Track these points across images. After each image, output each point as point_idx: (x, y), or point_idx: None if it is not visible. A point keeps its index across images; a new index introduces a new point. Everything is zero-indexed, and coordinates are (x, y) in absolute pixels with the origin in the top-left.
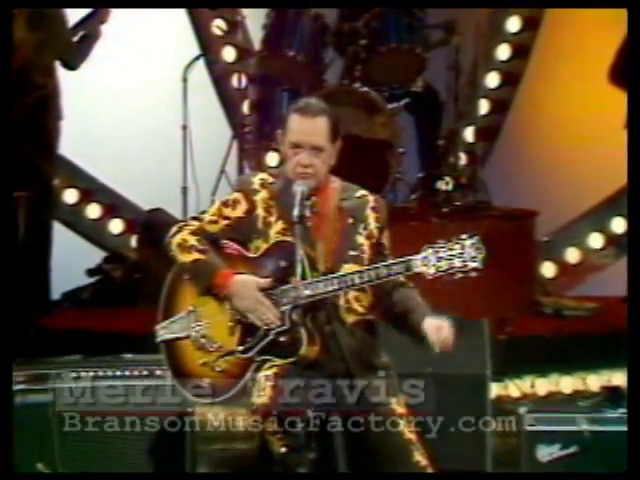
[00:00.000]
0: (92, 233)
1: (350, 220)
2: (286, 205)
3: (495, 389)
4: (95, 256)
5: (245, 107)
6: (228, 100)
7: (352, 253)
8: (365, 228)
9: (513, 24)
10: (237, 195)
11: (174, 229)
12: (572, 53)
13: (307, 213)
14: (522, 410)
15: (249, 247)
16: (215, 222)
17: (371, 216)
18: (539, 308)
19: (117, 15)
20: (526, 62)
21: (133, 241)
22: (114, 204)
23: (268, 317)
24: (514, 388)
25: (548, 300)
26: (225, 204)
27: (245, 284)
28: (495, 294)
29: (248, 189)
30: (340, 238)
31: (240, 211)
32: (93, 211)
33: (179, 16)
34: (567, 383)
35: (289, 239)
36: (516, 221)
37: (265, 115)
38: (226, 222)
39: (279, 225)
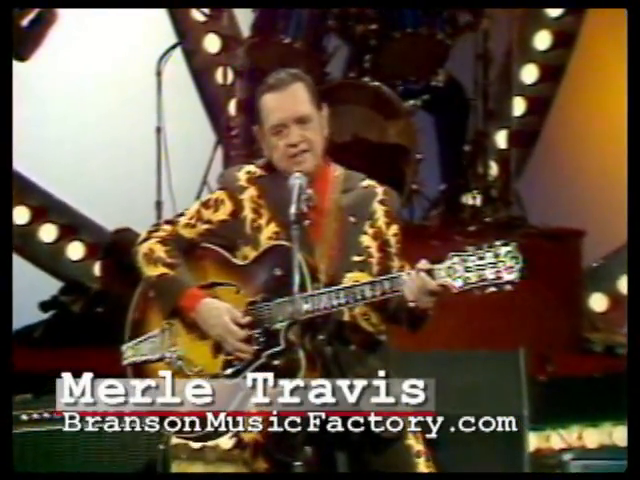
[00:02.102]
0: (46, 259)
1: (351, 219)
2: (279, 203)
3: (535, 440)
4: (50, 287)
5: (231, 107)
6: (211, 98)
7: (356, 259)
8: (372, 226)
9: None
10: (220, 194)
11: (143, 235)
12: (625, 41)
13: (304, 208)
14: (566, 457)
15: (235, 255)
16: (192, 226)
17: (379, 210)
18: (587, 345)
19: None
20: (570, 52)
21: (96, 268)
22: (73, 224)
23: (238, 350)
24: (557, 439)
25: (598, 336)
26: (206, 205)
27: (215, 309)
28: (534, 328)
29: (233, 187)
30: (340, 241)
31: (224, 213)
32: (48, 233)
33: None
34: (622, 434)
35: (285, 243)
36: (558, 242)
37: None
38: (206, 226)
39: (271, 228)
